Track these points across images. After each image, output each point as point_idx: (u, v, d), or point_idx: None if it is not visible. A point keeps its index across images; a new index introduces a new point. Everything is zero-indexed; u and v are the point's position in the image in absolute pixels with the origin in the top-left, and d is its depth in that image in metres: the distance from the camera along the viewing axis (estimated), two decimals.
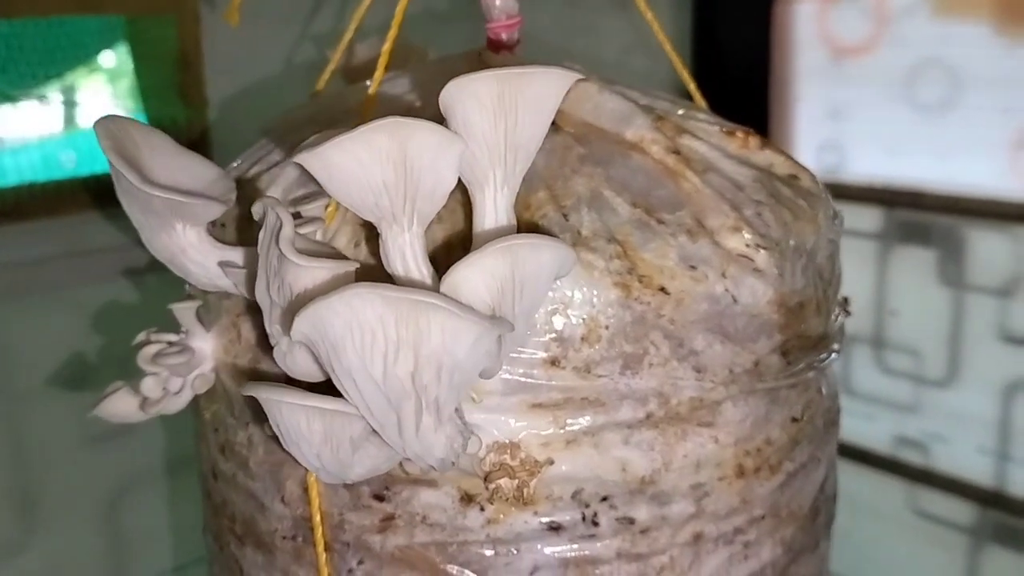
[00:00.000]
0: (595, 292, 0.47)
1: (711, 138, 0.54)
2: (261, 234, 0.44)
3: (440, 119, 0.42)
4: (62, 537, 0.88)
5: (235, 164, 0.58)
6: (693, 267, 0.48)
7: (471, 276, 0.41)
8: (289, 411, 0.42)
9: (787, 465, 0.52)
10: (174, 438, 0.92)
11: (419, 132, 0.40)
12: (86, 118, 0.95)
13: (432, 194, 0.42)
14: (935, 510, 1.05)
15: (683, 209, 0.50)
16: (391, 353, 0.39)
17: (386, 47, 0.52)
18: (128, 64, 0.96)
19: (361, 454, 0.43)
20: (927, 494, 1.05)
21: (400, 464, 0.47)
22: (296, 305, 0.40)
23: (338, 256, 0.46)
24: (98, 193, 0.89)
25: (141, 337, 0.53)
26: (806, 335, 0.52)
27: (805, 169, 0.56)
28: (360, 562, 0.49)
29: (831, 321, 0.55)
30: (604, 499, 0.48)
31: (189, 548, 0.94)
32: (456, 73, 0.41)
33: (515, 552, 0.48)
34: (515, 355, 0.46)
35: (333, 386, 0.42)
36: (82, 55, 0.95)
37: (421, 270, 0.43)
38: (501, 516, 0.47)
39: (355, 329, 0.39)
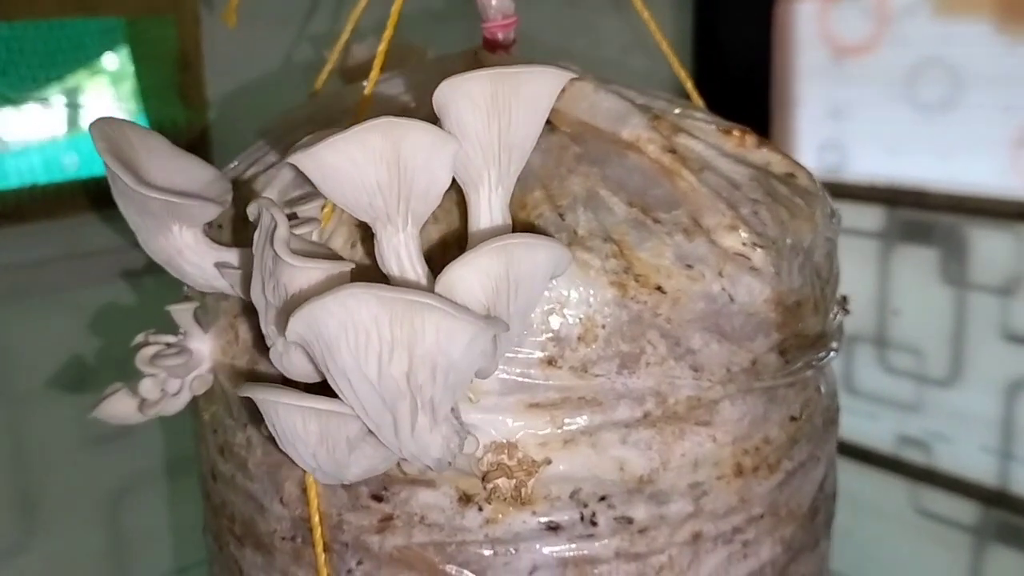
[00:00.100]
0: (591, 291, 0.47)
1: (707, 137, 0.54)
2: (256, 235, 0.44)
3: (435, 119, 0.42)
4: (62, 538, 0.88)
5: (232, 165, 0.58)
6: (690, 266, 0.48)
7: (466, 276, 0.41)
8: (285, 412, 0.42)
9: (786, 464, 0.52)
10: (174, 440, 0.92)
11: (413, 132, 0.40)
12: (87, 121, 0.95)
13: (426, 194, 0.42)
14: (938, 509, 1.04)
15: (679, 208, 0.50)
16: (386, 353, 0.39)
17: (382, 47, 0.52)
18: (128, 66, 0.96)
19: (357, 454, 0.43)
20: (930, 493, 1.05)
21: (398, 464, 0.47)
22: (291, 306, 0.40)
23: (333, 257, 0.46)
24: (99, 195, 0.89)
25: (139, 339, 0.53)
26: (804, 334, 0.52)
27: (802, 167, 0.56)
28: (359, 562, 0.49)
29: (829, 320, 0.55)
30: (602, 499, 0.48)
31: (190, 549, 0.94)
32: (451, 73, 0.41)
33: (514, 552, 0.48)
34: (512, 355, 0.46)
35: (329, 387, 0.42)
36: (83, 57, 0.95)
37: (416, 270, 0.43)
38: (499, 516, 0.47)
39: (350, 329, 0.39)
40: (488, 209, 0.44)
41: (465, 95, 0.41)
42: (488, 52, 0.57)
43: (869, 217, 1.03)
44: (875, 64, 1.01)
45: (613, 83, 0.56)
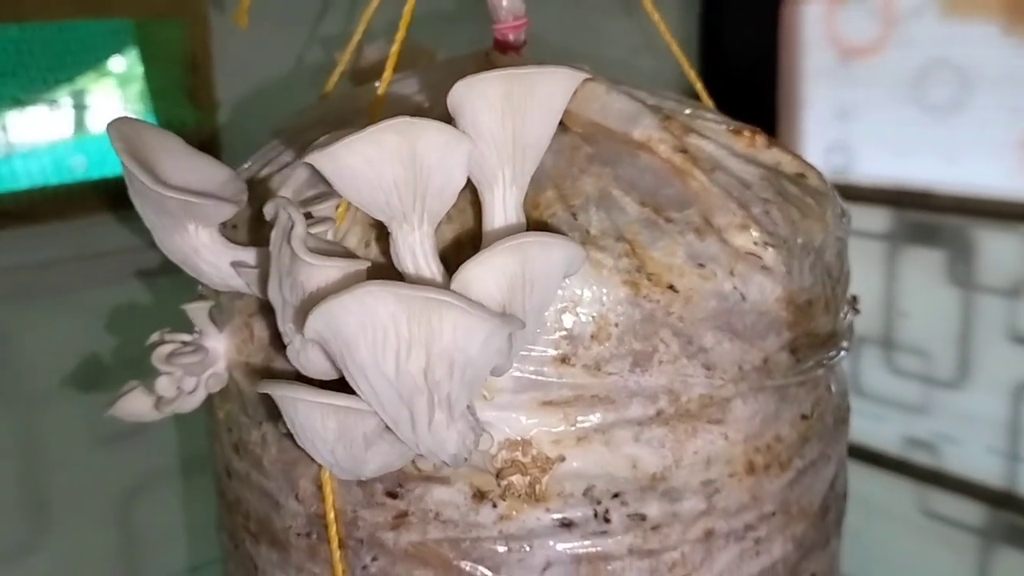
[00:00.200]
0: (604, 290, 0.47)
1: (718, 137, 0.54)
2: (273, 233, 0.44)
3: (448, 119, 0.42)
4: (75, 538, 0.89)
5: (246, 166, 0.58)
6: (701, 265, 0.48)
7: (482, 274, 0.41)
8: (304, 408, 0.42)
9: (797, 462, 0.52)
10: (187, 439, 0.93)
11: (428, 131, 0.41)
12: (96, 122, 0.95)
13: (441, 193, 0.43)
14: (945, 511, 1.05)
15: (691, 207, 0.50)
16: (403, 350, 0.39)
17: (394, 48, 0.52)
18: (137, 68, 0.97)
19: (374, 450, 0.43)
20: (937, 495, 1.05)
21: (413, 461, 0.47)
22: (309, 303, 0.41)
23: (349, 255, 0.46)
24: (110, 196, 0.90)
25: (155, 337, 0.53)
26: (815, 333, 0.53)
27: (812, 167, 0.56)
28: (374, 559, 0.49)
29: (840, 319, 0.56)
30: (615, 496, 0.48)
31: (201, 549, 0.94)
32: (464, 74, 0.42)
33: (527, 548, 0.48)
34: (525, 353, 0.46)
35: (345, 384, 0.42)
36: (92, 59, 0.95)
37: (431, 268, 0.43)
38: (513, 513, 0.48)
39: (368, 326, 0.39)
40: (502, 208, 0.44)
41: (480, 95, 0.42)
42: (499, 53, 0.58)
43: (876, 219, 1.04)
44: (882, 65, 1.01)
45: (624, 84, 0.56)
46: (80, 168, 0.94)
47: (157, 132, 0.49)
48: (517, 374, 0.47)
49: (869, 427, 1.07)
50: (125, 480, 0.91)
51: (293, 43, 0.95)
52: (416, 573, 0.49)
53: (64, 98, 0.94)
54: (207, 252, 0.49)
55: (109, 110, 0.95)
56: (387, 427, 0.43)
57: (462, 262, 0.41)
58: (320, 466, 0.49)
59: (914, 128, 1.00)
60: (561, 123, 0.45)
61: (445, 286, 0.42)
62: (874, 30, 1.01)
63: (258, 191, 0.53)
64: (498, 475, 0.47)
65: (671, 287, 0.48)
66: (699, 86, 0.63)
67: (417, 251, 0.43)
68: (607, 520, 0.48)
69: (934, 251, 1.01)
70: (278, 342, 0.49)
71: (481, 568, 0.48)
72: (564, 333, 0.47)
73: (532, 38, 0.59)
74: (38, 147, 0.92)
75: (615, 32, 1.09)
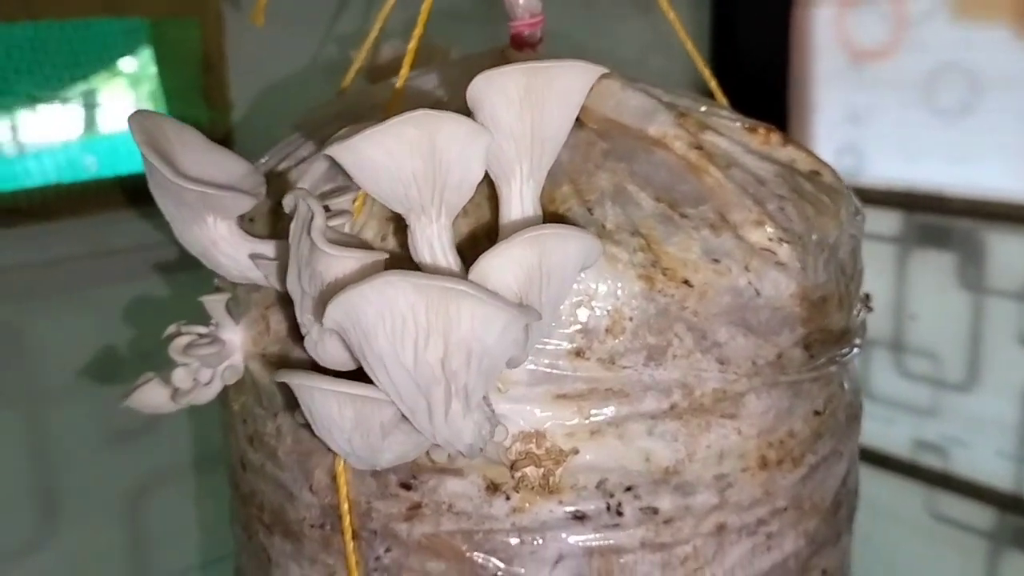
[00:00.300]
0: (619, 284, 0.47)
1: (733, 134, 0.55)
2: (292, 225, 0.44)
3: (466, 114, 0.43)
4: (85, 534, 0.89)
5: (263, 160, 0.58)
6: (716, 260, 0.49)
7: (500, 265, 0.41)
8: (322, 397, 0.42)
9: (809, 458, 0.53)
10: (200, 434, 0.93)
11: (448, 124, 0.41)
12: (107, 122, 0.96)
13: (460, 185, 0.43)
14: (954, 514, 1.05)
15: (706, 203, 0.50)
16: (421, 340, 0.40)
17: (412, 44, 0.53)
18: (149, 67, 0.97)
19: (391, 440, 0.44)
20: (946, 498, 1.05)
21: (427, 453, 0.47)
22: (327, 294, 0.41)
23: (367, 247, 0.47)
24: (123, 193, 0.90)
25: (171, 329, 0.54)
26: (828, 329, 0.53)
27: (827, 165, 0.57)
28: (387, 550, 0.50)
29: (853, 316, 0.56)
30: (628, 489, 0.48)
31: (214, 546, 0.95)
32: (481, 70, 0.42)
33: (540, 541, 0.48)
34: (540, 346, 0.47)
35: (362, 375, 0.43)
36: (106, 58, 0.96)
37: (449, 260, 0.44)
38: (526, 505, 0.48)
39: (386, 316, 0.39)
40: (520, 201, 0.45)
41: (499, 89, 0.42)
42: (515, 50, 0.58)
43: (886, 221, 1.04)
44: (893, 69, 1.02)
45: (639, 81, 0.57)
46: (92, 167, 0.94)
47: (177, 126, 0.49)
48: (532, 367, 0.47)
49: (878, 430, 1.07)
50: (136, 477, 0.92)
51: (308, 43, 0.96)
52: (429, 565, 0.49)
53: (78, 96, 0.94)
54: (225, 244, 0.49)
55: (123, 108, 0.96)
56: (404, 417, 0.43)
57: (478, 256, 0.42)
58: (335, 457, 0.49)
59: (925, 131, 1.00)
60: (577, 119, 0.46)
61: (463, 277, 0.42)
62: (885, 33, 1.02)
63: (275, 185, 0.53)
64: (512, 467, 0.47)
65: (686, 282, 0.48)
66: (713, 84, 0.63)
67: (435, 243, 0.44)
68: (620, 513, 0.49)
69: (944, 254, 1.01)
70: (295, 334, 0.49)
71: (494, 560, 0.48)
72: (579, 327, 0.47)
73: (547, 36, 0.60)
74: (52, 145, 0.93)
75: (627, 32, 1.09)
